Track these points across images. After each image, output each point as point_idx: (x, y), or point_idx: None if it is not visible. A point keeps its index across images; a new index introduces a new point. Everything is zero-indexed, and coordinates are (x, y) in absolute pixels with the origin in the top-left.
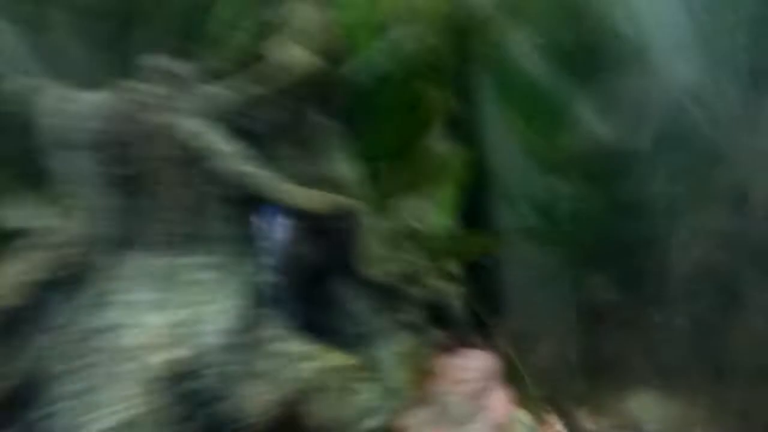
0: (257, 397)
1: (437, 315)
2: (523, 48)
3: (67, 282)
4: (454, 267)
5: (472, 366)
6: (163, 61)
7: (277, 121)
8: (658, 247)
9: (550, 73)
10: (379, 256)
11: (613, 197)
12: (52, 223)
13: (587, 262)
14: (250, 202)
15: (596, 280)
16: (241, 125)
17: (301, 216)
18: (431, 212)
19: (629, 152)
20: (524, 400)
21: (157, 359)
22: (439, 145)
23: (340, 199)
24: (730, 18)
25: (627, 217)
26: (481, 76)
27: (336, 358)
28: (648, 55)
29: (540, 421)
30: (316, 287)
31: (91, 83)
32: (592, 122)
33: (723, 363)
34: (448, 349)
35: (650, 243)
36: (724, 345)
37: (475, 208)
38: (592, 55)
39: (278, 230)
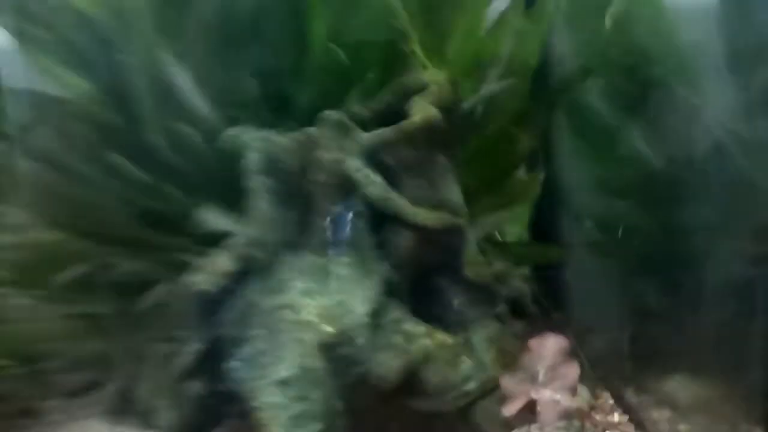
0: (388, 363)
1: (515, 308)
2: (592, 92)
3: (254, 272)
4: (528, 271)
5: (550, 345)
6: (331, 113)
7: (409, 159)
8: (696, 259)
9: (613, 112)
10: (474, 261)
11: (661, 218)
12: (245, 229)
13: (637, 271)
14: (385, 219)
15: (644, 284)
16: (384, 161)
17: (420, 229)
18: (512, 226)
19: (675, 179)
20: (583, 378)
21: (318, 331)
22: (521, 171)
23: (450, 218)
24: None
25: (671, 234)
26: (557, 114)
27: (443, 338)
28: (693, 97)
29: (595, 394)
30: (428, 284)
31: (279, 128)
32: (646, 154)
33: (741, 353)
34: (526, 334)
35: (690, 256)
36: (743, 339)
37: (548, 223)
38: (647, 98)
39: (403, 238)
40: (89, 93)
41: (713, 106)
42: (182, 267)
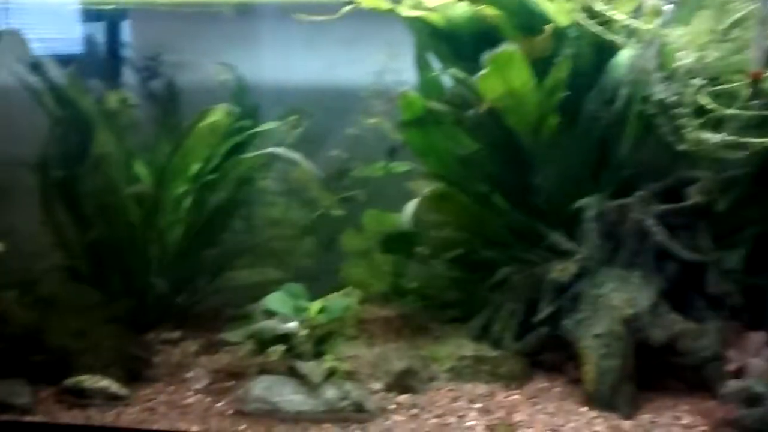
0: (658, 334)
1: (733, 312)
2: None
3: (585, 274)
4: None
5: (754, 336)
6: (639, 193)
7: (680, 221)
8: None
9: None
10: (713, 282)
11: None
12: (582, 250)
13: None
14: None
15: None
16: (667, 221)
17: (684, 261)
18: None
19: None
20: None
21: (622, 311)
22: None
23: (700, 256)
24: None
25: None
26: None
27: (690, 325)
28: None
29: None
30: (684, 292)
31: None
32: None
33: None
34: (739, 329)
35: None
36: None
37: (758, 261)
38: None
39: (672, 265)
40: (478, 150)
41: None
42: (521, 260)
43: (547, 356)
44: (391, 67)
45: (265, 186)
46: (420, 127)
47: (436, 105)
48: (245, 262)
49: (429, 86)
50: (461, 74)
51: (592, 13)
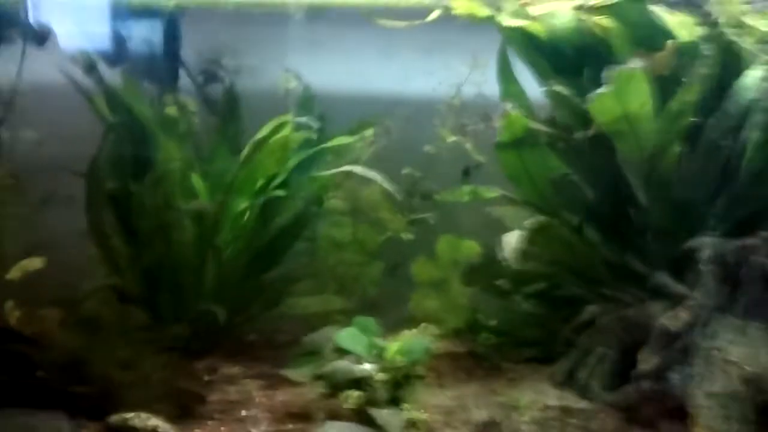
0: None
1: None
2: None
3: (697, 323)
4: None
5: None
6: (763, 232)
7: None
8: None
9: None
10: None
11: None
12: (696, 295)
13: None
14: None
15: None
16: None
17: None
18: None
19: None
20: None
21: (740, 368)
22: None
23: None
24: None
25: None
26: None
27: None
28: None
29: None
30: None
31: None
32: None
33: None
34: None
35: None
36: None
37: None
38: None
39: None
40: (568, 174)
41: None
42: (611, 299)
43: (645, 411)
44: (470, 79)
45: (333, 206)
46: (517, 148)
47: (537, 125)
48: (305, 287)
49: (513, 101)
50: (565, 91)
51: (729, 28)
